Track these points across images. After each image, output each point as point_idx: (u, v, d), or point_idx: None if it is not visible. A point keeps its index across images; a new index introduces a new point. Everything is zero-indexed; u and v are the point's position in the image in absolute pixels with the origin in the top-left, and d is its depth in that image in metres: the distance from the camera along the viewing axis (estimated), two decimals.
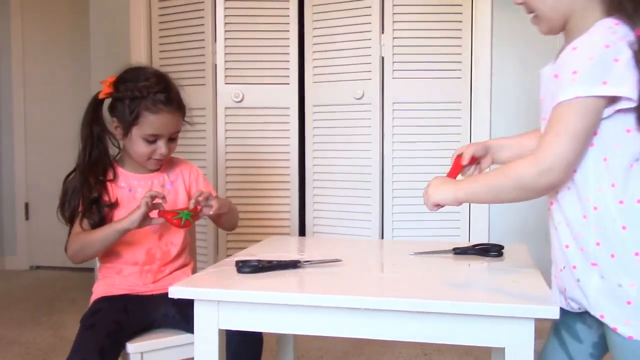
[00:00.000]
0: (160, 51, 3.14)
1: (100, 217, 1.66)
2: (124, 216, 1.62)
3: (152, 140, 1.67)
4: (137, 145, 1.68)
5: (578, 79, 1.05)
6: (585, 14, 1.13)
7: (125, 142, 1.71)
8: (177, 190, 1.79)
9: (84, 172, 1.68)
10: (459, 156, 1.42)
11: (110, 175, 1.72)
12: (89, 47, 3.38)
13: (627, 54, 1.04)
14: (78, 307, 1.67)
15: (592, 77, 1.04)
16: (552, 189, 1.14)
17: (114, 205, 1.69)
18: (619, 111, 1.06)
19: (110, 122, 1.72)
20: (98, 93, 1.72)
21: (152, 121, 1.65)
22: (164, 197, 1.64)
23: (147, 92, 1.65)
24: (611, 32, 1.07)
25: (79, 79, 4.05)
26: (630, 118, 1.07)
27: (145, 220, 1.60)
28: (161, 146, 1.68)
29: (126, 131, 1.67)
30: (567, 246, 1.15)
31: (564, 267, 1.17)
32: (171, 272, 1.75)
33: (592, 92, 1.04)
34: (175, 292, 1.21)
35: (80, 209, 1.67)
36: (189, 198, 1.76)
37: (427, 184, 1.28)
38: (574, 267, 1.13)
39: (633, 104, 1.05)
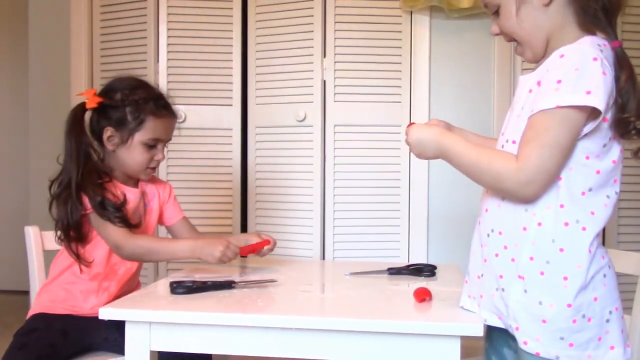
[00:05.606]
0: (102, 70, 3.11)
1: (124, 219, 1.61)
2: (205, 244, 1.58)
3: (152, 145, 1.68)
4: (137, 152, 1.67)
5: (561, 88, 1.02)
6: (563, 33, 1.12)
7: (121, 151, 1.67)
8: (152, 209, 1.79)
9: (79, 186, 1.59)
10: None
11: (106, 178, 1.67)
12: (27, 67, 3.32)
13: (610, 74, 1.03)
14: (12, 331, 1.62)
15: (575, 87, 1.01)
16: (531, 200, 1.09)
17: (123, 203, 1.63)
18: (585, 135, 1.05)
19: (94, 134, 1.68)
20: (82, 103, 1.65)
21: (156, 125, 1.67)
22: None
23: (149, 97, 1.66)
24: (599, 49, 1.05)
25: (16, 98, 3.96)
26: (593, 145, 1.06)
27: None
28: (159, 151, 1.70)
29: (126, 138, 1.65)
30: (496, 254, 1.14)
31: (482, 275, 1.18)
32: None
33: (574, 100, 1.01)
34: (106, 313, 1.20)
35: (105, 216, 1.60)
36: (161, 215, 1.82)
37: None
38: (500, 277, 1.13)
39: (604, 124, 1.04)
